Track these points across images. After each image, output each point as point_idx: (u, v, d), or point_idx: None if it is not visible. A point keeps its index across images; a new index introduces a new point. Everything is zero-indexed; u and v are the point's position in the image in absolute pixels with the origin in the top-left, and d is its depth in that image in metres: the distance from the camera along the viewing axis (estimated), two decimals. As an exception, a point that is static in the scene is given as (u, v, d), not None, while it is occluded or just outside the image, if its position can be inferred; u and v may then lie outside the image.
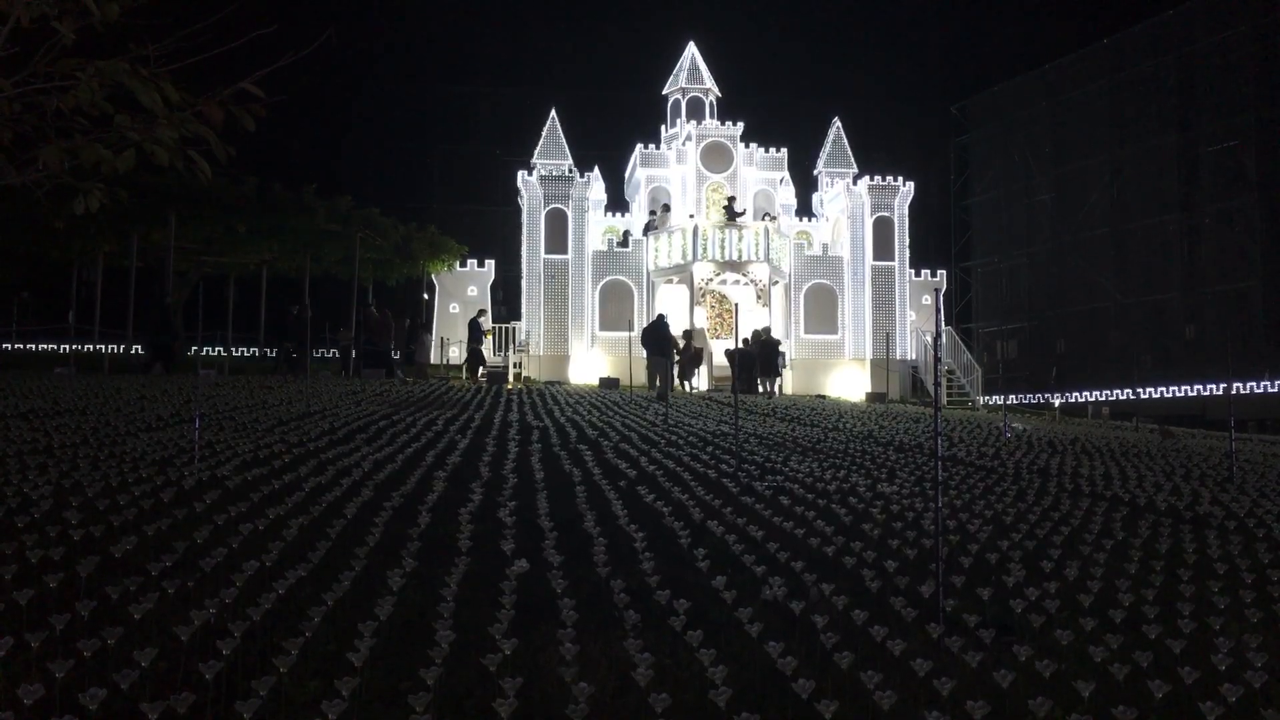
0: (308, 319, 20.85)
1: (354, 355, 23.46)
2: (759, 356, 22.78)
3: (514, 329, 27.57)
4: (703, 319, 26.13)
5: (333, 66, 34.15)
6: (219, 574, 4.28)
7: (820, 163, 31.60)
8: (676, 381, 22.96)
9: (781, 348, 24.64)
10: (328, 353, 30.48)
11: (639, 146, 29.58)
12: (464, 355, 25.83)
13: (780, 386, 23.80)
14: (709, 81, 30.60)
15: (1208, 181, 30.87)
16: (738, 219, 26.41)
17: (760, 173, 29.44)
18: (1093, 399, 28.42)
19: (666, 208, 27.99)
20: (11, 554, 4.47)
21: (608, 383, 22.39)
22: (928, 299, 29.54)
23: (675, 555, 5.15)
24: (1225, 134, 30.09)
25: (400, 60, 38.25)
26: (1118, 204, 33.44)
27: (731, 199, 27.34)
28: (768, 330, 24.61)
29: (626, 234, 28.42)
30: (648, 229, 27.61)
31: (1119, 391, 29.96)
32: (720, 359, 25.03)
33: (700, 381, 23.96)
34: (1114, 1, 34.25)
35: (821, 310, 28.18)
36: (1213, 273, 30.47)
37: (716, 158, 28.63)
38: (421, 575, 4.45)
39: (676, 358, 22.07)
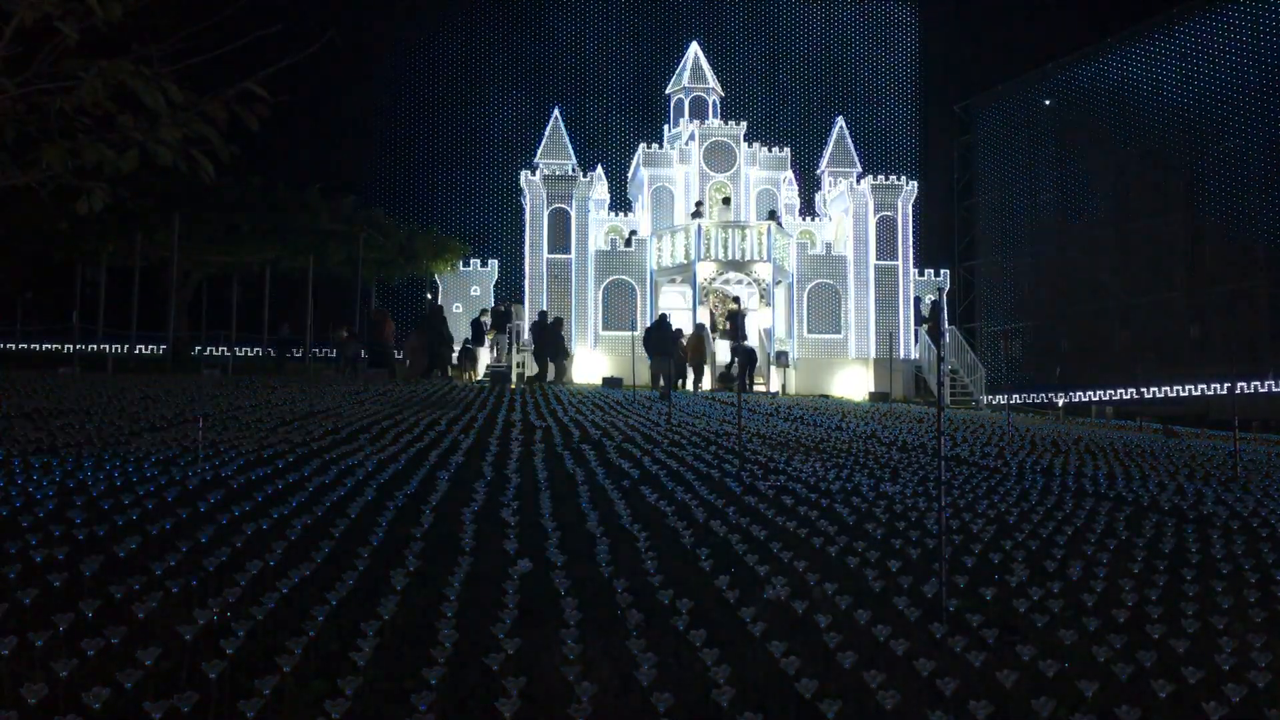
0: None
1: (360, 355, 23.50)
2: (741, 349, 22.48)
3: (517, 328, 27.58)
4: (705, 318, 26.09)
5: (336, 66, 34.18)
6: (223, 574, 4.28)
7: (823, 162, 31.60)
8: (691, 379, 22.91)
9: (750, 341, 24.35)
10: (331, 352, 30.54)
11: (642, 146, 29.58)
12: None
13: (749, 380, 23.14)
14: (712, 81, 30.60)
15: (1212, 180, 30.81)
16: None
17: (763, 172, 29.43)
18: (1096, 398, 28.38)
19: (727, 201, 27.84)
20: (16, 553, 4.48)
21: (611, 382, 22.38)
22: (931, 297, 29.52)
23: (678, 555, 5.15)
24: (1229, 132, 30.03)
25: (403, 60, 38.25)
26: (1121, 203, 33.39)
27: (726, 199, 27.66)
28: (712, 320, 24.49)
29: (632, 234, 28.41)
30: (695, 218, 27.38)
31: (1122, 391, 29.93)
32: (723, 357, 24.97)
33: (704, 382, 23.88)
34: (1118, 0, 34.19)
35: (825, 310, 28.17)
36: (1217, 272, 30.41)
37: (719, 157, 28.62)
38: (424, 575, 4.46)
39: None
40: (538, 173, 28.01)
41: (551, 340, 23.15)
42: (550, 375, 22.82)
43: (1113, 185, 33.70)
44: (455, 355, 26.18)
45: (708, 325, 24.87)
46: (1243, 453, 10.96)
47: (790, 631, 3.89)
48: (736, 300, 25.18)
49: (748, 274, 25.92)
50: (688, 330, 24.19)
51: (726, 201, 27.51)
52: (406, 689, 3.10)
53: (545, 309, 25.22)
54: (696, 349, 23.32)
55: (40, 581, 3.94)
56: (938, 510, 4.38)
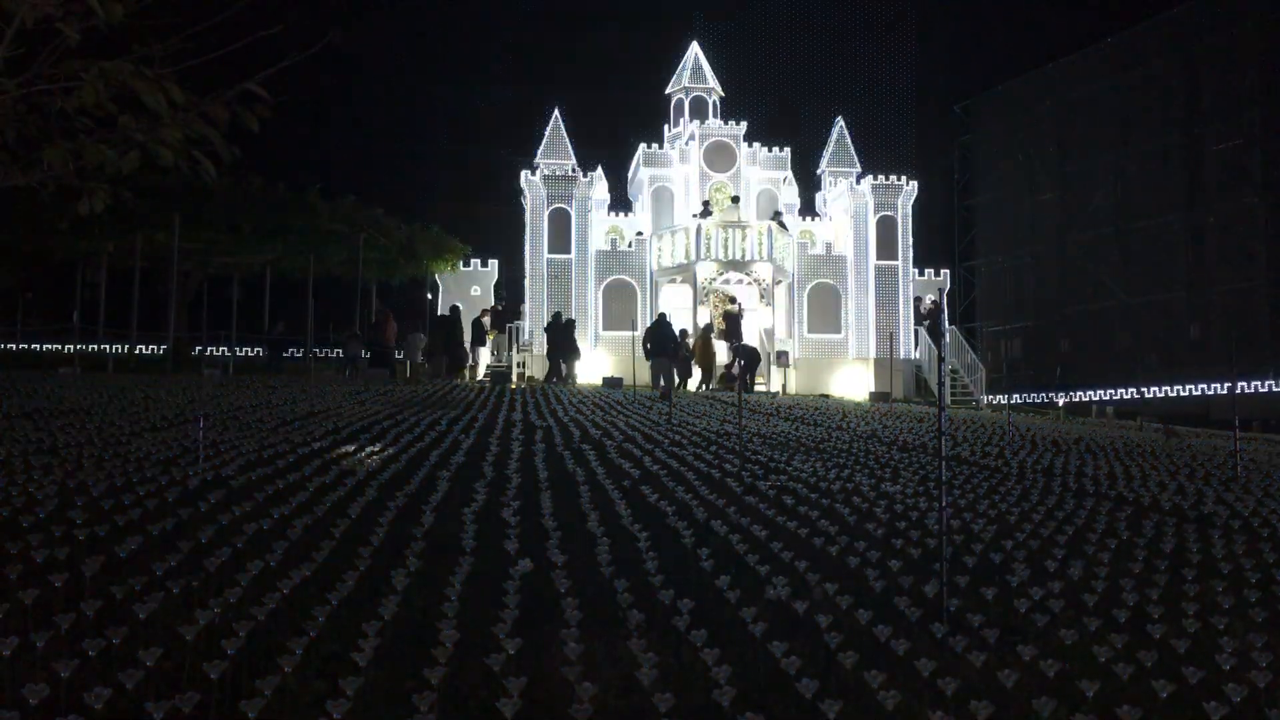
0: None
1: (363, 355, 23.52)
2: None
3: (517, 328, 27.59)
4: (706, 318, 26.06)
5: (337, 67, 34.22)
6: (224, 574, 4.29)
7: (824, 162, 31.57)
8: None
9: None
10: (334, 352, 30.57)
11: (642, 146, 29.56)
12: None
13: (750, 380, 22.91)
14: (712, 81, 30.58)
15: (1212, 181, 30.77)
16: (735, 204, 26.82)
17: (764, 172, 29.41)
18: (1097, 398, 28.37)
19: (736, 199, 27.71)
20: (17, 554, 4.48)
21: (611, 382, 22.38)
22: (931, 297, 29.50)
23: (679, 555, 5.15)
24: (1230, 133, 30.00)
25: (404, 60, 38.24)
26: (1122, 203, 33.35)
27: (735, 198, 27.51)
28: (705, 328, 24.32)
29: (639, 234, 28.25)
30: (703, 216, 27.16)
31: (1123, 391, 29.92)
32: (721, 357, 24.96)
33: (712, 382, 23.81)
34: (1118, 0, 34.22)
35: (825, 309, 28.15)
36: (1217, 272, 30.37)
37: (720, 157, 28.60)
38: (425, 575, 4.46)
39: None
40: (538, 173, 27.98)
41: (566, 341, 23.15)
42: (562, 375, 22.78)
43: (1113, 185, 33.66)
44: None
45: (723, 325, 24.69)
46: (1243, 452, 10.95)
47: (791, 631, 3.89)
48: (734, 300, 25.17)
49: (748, 274, 25.90)
50: (690, 330, 24.18)
51: (735, 200, 27.44)
52: (407, 689, 3.10)
53: (560, 310, 25.20)
54: (705, 350, 23.24)
55: (41, 582, 3.94)
56: (938, 510, 4.38)
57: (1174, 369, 30.05)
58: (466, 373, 24.51)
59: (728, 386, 22.24)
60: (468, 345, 25.21)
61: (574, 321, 24.59)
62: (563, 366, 22.91)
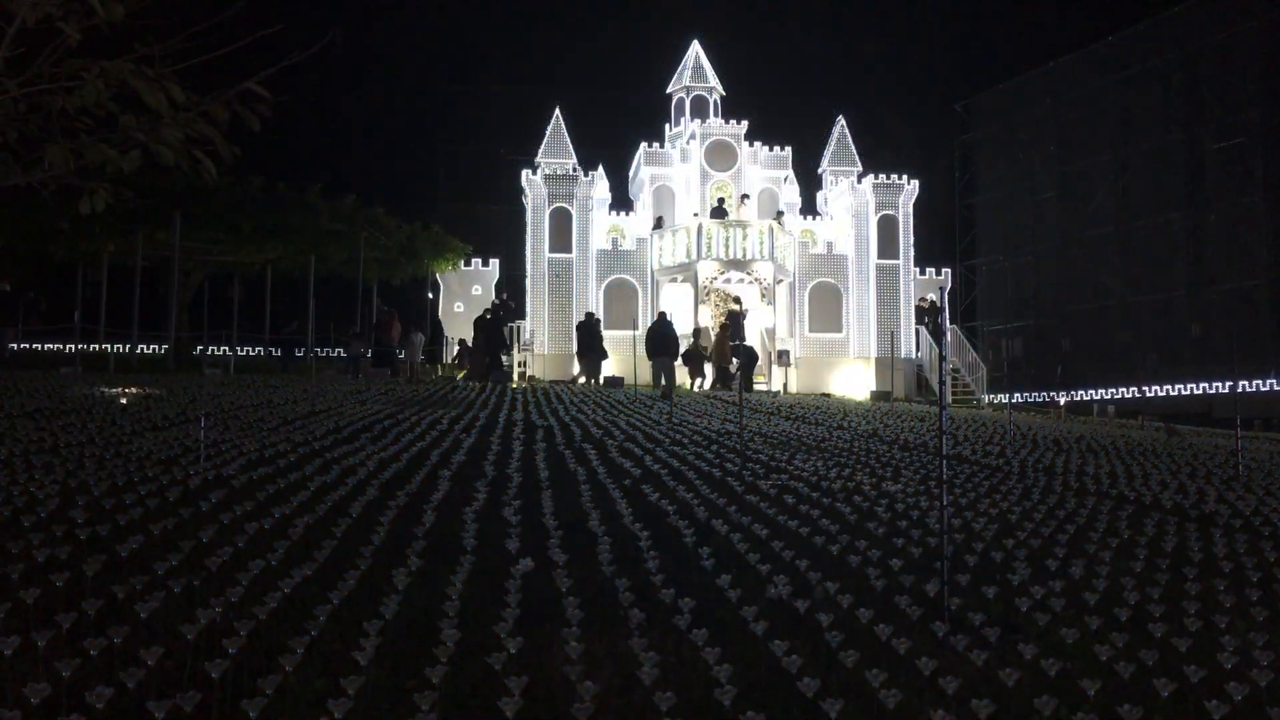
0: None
1: (364, 354, 23.54)
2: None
3: (519, 328, 27.58)
4: (707, 318, 26.04)
5: (337, 66, 34.22)
6: (225, 573, 4.29)
7: (825, 161, 31.54)
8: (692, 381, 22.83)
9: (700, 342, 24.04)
10: (335, 352, 30.61)
11: (643, 145, 29.53)
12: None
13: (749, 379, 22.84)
14: (713, 80, 30.55)
15: (1213, 179, 30.74)
16: (743, 204, 26.80)
17: (764, 171, 29.38)
18: (1098, 397, 28.34)
19: (746, 197, 27.69)
20: (18, 553, 4.49)
21: (612, 381, 22.38)
22: (932, 296, 29.47)
23: (680, 554, 5.15)
24: (1231, 131, 29.96)
25: (404, 60, 38.24)
26: (1123, 202, 33.33)
27: (745, 196, 27.52)
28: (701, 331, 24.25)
29: (660, 219, 28.07)
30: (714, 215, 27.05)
31: (1124, 389, 29.90)
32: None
33: (706, 382, 23.82)
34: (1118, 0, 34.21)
35: (826, 308, 28.14)
36: (1219, 270, 30.35)
37: (721, 156, 28.57)
38: (427, 574, 4.46)
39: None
40: (539, 172, 27.98)
41: (596, 342, 23.07)
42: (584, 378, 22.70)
43: (1114, 183, 33.64)
44: (456, 354, 26.18)
45: (729, 325, 24.51)
46: (1245, 451, 10.95)
47: (792, 630, 3.89)
48: (737, 300, 25.13)
49: (749, 273, 25.89)
50: (689, 329, 24.13)
51: (745, 198, 27.49)
52: (409, 688, 3.11)
53: (590, 310, 25.16)
54: (720, 349, 23.15)
55: (43, 581, 3.94)
56: (940, 509, 4.38)
57: (1175, 368, 30.04)
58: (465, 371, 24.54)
59: (726, 386, 22.24)
60: (456, 343, 25.24)
61: (599, 321, 24.51)
62: (584, 371, 22.81)
